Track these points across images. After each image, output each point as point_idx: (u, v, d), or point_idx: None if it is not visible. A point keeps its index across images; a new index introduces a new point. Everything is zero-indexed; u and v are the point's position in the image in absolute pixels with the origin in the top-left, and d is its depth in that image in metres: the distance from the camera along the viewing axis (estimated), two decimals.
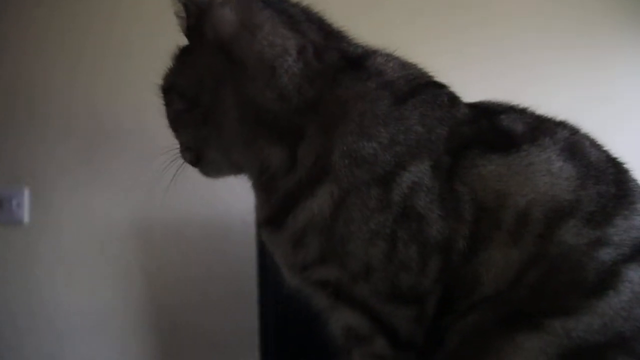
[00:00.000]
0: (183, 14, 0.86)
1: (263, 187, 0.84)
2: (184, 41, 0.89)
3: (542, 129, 0.80)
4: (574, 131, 0.82)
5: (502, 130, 0.80)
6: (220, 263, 1.72)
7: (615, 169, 0.79)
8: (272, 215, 0.82)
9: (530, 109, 0.85)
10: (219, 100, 0.83)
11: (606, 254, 0.70)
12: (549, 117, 0.84)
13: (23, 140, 1.78)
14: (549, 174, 0.75)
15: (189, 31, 0.87)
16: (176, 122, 0.91)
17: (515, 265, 0.72)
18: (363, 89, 0.80)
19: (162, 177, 1.70)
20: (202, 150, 0.90)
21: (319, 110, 0.80)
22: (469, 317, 0.73)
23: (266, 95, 0.80)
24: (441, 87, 0.85)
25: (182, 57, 0.89)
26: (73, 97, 1.78)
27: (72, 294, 1.73)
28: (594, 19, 1.93)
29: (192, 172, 1.65)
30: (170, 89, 0.89)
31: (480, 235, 0.74)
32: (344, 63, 0.83)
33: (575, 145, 0.79)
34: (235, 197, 1.65)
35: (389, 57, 0.86)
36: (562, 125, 0.82)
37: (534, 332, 0.68)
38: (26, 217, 1.76)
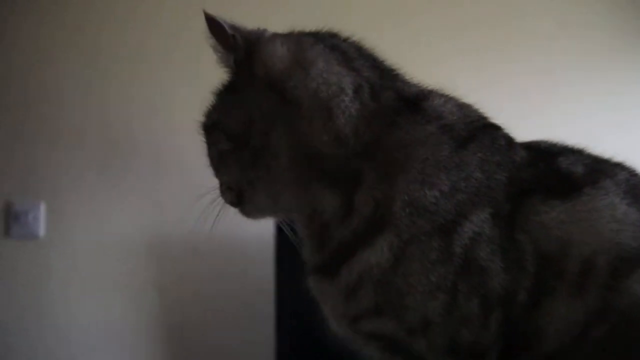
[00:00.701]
0: (225, 49, 0.82)
1: (314, 233, 0.80)
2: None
3: (601, 170, 0.77)
4: (633, 172, 0.78)
5: (562, 173, 0.77)
6: (235, 280, 1.72)
7: None
8: (324, 263, 0.78)
9: (585, 150, 0.81)
10: (270, 141, 0.79)
11: None
12: (606, 157, 0.80)
13: (38, 154, 1.78)
14: (614, 220, 0.71)
15: (236, 66, 0.83)
16: (219, 161, 0.85)
17: (580, 318, 0.68)
18: (423, 133, 0.77)
19: (177, 191, 1.77)
20: (246, 191, 0.84)
21: (377, 154, 0.76)
22: None
23: (322, 138, 0.76)
24: (497, 129, 0.82)
25: (228, 94, 0.85)
26: (86, 110, 1.79)
27: (86, 308, 1.73)
28: (618, 43, 1.93)
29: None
30: (215, 128, 0.85)
31: (542, 287, 0.70)
32: (401, 104, 0.79)
33: (636, 187, 0.76)
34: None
35: (446, 98, 0.83)
36: (621, 166, 0.79)
37: None
38: (42, 231, 1.76)
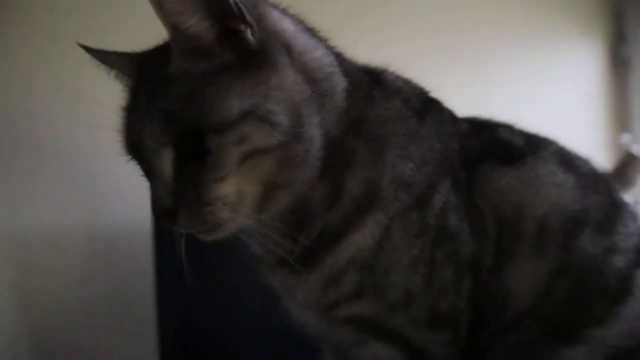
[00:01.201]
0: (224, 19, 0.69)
1: (289, 227, 0.74)
2: None
3: (536, 142, 0.83)
4: (560, 145, 0.84)
5: (504, 143, 0.82)
6: (108, 279, 1.54)
7: (602, 177, 0.84)
8: (300, 256, 0.74)
9: (514, 124, 0.86)
10: (306, 130, 0.72)
11: (619, 261, 0.75)
12: (533, 132, 0.86)
13: None
14: (556, 185, 0.78)
15: (256, 41, 0.70)
16: (240, 166, 0.72)
17: (544, 277, 0.74)
18: (395, 108, 0.78)
19: (34, 180, 1.59)
20: (251, 200, 0.76)
21: (364, 131, 0.75)
22: (510, 335, 0.74)
23: (332, 119, 0.73)
24: (439, 102, 0.85)
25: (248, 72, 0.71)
26: None
27: None
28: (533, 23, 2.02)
29: (74, 176, 1.48)
30: (244, 119, 0.71)
31: (505, 250, 0.75)
32: (368, 79, 0.79)
33: (567, 157, 0.82)
34: (124, 203, 1.53)
35: (392, 72, 0.84)
36: (549, 140, 0.85)
37: (577, 345, 0.72)
38: None
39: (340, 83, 0.75)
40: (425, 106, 0.81)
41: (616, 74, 2.17)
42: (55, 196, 1.50)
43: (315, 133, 0.70)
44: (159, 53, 0.72)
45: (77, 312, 1.52)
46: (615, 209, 0.79)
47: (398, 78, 0.83)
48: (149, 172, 0.70)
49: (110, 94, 1.49)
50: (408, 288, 0.73)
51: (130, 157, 0.74)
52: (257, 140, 0.67)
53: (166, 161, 0.67)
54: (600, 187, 0.82)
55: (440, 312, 0.74)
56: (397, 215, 0.73)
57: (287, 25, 0.74)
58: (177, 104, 0.66)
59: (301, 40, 0.75)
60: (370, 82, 0.79)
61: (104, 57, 0.79)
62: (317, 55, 0.75)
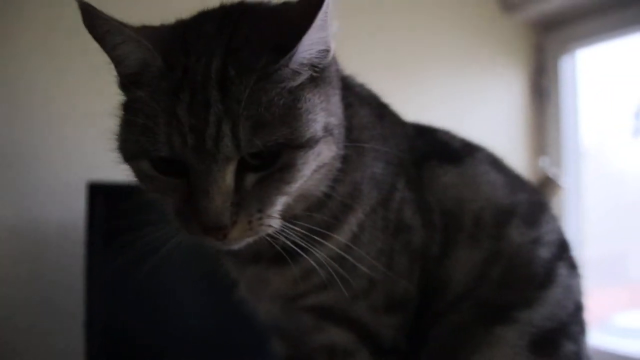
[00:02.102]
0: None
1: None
2: None
3: (470, 146, 0.91)
4: (488, 151, 0.93)
5: (444, 144, 0.90)
6: (35, 278, 1.50)
7: (526, 180, 0.93)
8: (277, 253, 0.76)
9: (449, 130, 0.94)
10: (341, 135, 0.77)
11: (544, 252, 0.83)
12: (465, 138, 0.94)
13: None
14: (490, 183, 0.86)
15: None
16: (312, 175, 0.73)
17: (478, 264, 0.81)
18: (367, 112, 0.82)
19: None
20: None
21: (351, 138, 0.77)
22: (450, 316, 0.80)
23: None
24: (389, 106, 0.90)
25: (319, 91, 0.71)
26: None
27: None
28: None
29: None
30: (325, 135, 0.72)
31: (448, 240, 0.82)
32: (341, 84, 0.79)
33: (496, 160, 0.91)
34: (49, 200, 1.51)
35: (350, 75, 0.87)
36: (479, 146, 0.93)
37: (508, 325, 0.78)
38: None
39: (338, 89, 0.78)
40: (381, 110, 0.87)
41: (536, 102, 2.30)
42: None
43: (342, 143, 0.74)
44: (218, 40, 0.67)
45: (0, 313, 1.47)
46: (539, 207, 0.88)
47: (357, 83, 0.88)
48: (199, 180, 0.64)
49: (40, 89, 1.50)
50: (372, 277, 0.77)
51: (162, 162, 0.67)
52: (326, 155, 0.70)
53: (230, 172, 0.64)
54: (525, 187, 0.91)
55: (395, 297, 0.80)
56: (369, 211, 0.78)
57: None
58: (271, 114, 0.63)
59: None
60: (344, 88, 0.81)
61: (107, 25, 0.67)
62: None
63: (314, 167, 0.68)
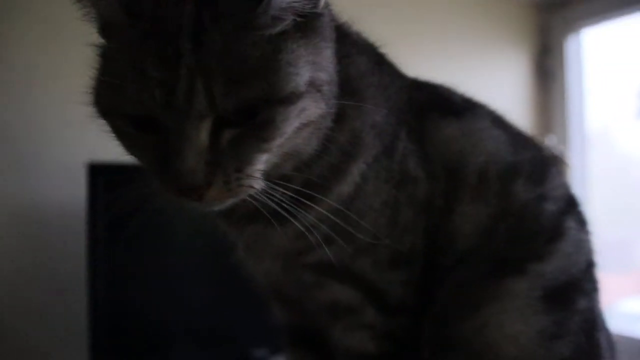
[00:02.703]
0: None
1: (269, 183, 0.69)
2: None
3: (471, 102, 0.88)
4: (490, 109, 0.89)
5: (445, 98, 0.86)
6: (37, 260, 1.48)
7: (529, 137, 0.90)
8: (275, 210, 0.69)
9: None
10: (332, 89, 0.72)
11: (551, 206, 0.81)
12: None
13: None
14: (492, 139, 0.83)
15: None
16: (295, 134, 0.67)
17: (485, 219, 0.79)
18: (364, 60, 0.79)
19: None
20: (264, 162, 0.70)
21: (349, 88, 0.73)
22: (458, 271, 0.78)
23: (334, 79, 0.70)
24: (386, 55, 0.85)
25: (306, 40, 0.66)
26: None
27: None
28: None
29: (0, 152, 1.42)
30: (309, 90, 0.67)
31: (452, 193, 0.79)
32: (336, 34, 0.74)
33: (498, 117, 0.88)
34: (49, 182, 1.49)
35: (347, 23, 0.81)
36: (480, 103, 0.89)
37: (519, 276, 0.76)
38: None
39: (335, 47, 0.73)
40: (379, 59, 0.83)
41: (541, 83, 2.28)
42: None
43: (334, 101, 0.69)
44: None
45: (2, 295, 1.45)
46: (544, 164, 0.86)
47: (354, 31, 0.82)
48: (171, 139, 0.59)
49: (39, 70, 1.48)
50: (376, 230, 0.75)
51: (131, 120, 0.62)
52: (312, 112, 0.64)
53: (205, 129, 0.59)
54: (529, 144, 0.88)
55: (401, 252, 0.77)
56: (372, 161, 0.75)
57: None
58: (247, 70, 0.58)
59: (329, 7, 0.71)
60: (340, 36, 0.76)
61: None
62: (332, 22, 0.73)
63: (297, 124, 0.63)
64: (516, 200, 0.80)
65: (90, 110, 0.66)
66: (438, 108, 0.84)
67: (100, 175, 1.34)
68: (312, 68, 0.63)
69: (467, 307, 0.76)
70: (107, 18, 0.63)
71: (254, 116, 0.59)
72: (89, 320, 1.33)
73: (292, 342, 0.92)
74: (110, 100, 0.62)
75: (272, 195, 0.66)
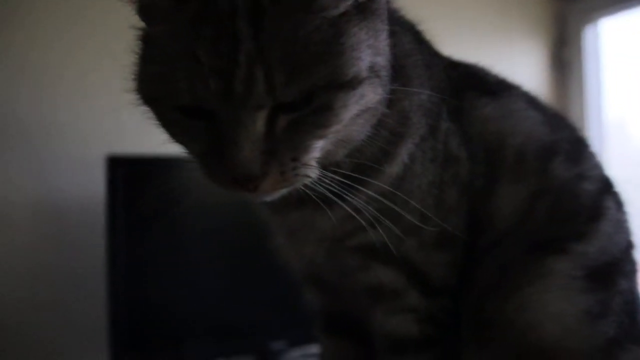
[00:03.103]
0: None
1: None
2: None
3: (505, 83, 0.87)
4: (524, 90, 0.89)
5: (480, 77, 0.86)
6: (57, 254, 1.49)
7: (564, 118, 0.90)
8: (323, 194, 0.67)
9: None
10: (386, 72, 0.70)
11: (590, 186, 0.80)
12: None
13: None
14: (528, 119, 0.83)
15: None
16: (353, 120, 0.65)
17: (524, 199, 0.78)
18: (409, 40, 0.78)
19: None
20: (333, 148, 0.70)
21: (396, 69, 0.69)
22: (498, 251, 0.77)
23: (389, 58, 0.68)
24: (424, 33, 0.84)
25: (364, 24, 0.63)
26: None
27: None
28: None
29: (19, 149, 1.44)
30: (369, 76, 0.64)
31: (491, 174, 0.79)
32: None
33: (533, 98, 0.88)
34: (68, 176, 1.50)
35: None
36: (513, 83, 0.89)
37: (561, 255, 0.75)
38: None
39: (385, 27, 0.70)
40: (419, 37, 0.82)
41: (557, 74, 2.26)
42: (1, 169, 1.46)
43: (388, 85, 0.66)
44: None
45: (22, 289, 1.47)
46: (580, 144, 0.85)
47: (397, 8, 0.80)
48: (225, 128, 0.56)
49: (57, 64, 1.49)
50: (423, 211, 0.73)
51: (181, 108, 0.59)
52: (370, 98, 0.62)
53: (262, 117, 0.56)
54: (565, 124, 0.88)
55: (445, 233, 0.76)
56: (420, 141, 0.74)
57: None
58: (310, 55, 0.55)
59: None
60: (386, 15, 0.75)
61: None
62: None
63: (355, 111, 0.60)
64: (555, 179, 0.80)
65: (133, 97, 0.63)
66: (474, 88, 0.83)
67: (120, 168, 1.35)
68: (372, 52, 0.61)
69: (509, 287, 0.75)
70: None
71: (311, 101, 0.57)
72: (108, 313, 1.34)
73: (327, 328, 0.91)
74: (157, 88, 0.59)
75: (324, 182, 0.64)
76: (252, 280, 1.50)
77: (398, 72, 0.71)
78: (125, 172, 1.35)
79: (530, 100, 0.86)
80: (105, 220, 1.35)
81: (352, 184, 0.67)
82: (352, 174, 0.67)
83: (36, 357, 1.46)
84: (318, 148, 0.61)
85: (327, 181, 0.64)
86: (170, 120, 0.61)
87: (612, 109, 2.28)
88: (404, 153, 0.73)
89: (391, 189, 0.71)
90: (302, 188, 0.64)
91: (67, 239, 1.50)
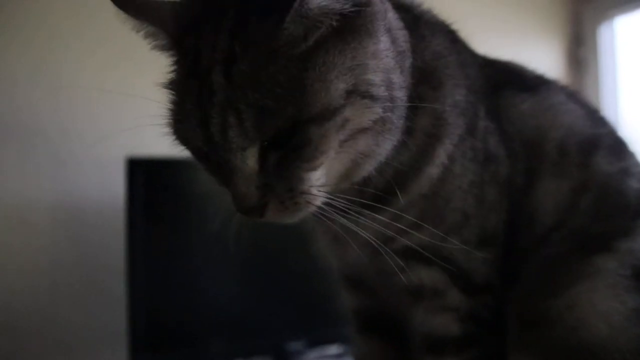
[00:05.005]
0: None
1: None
2: None
3: (543, 77, 0.87)
4: (562, 84, 0.89)
5: (518, 73, 0.86)
6: (76, 256, 1.50)
7: (602, 114, 0.89)
8: (372, 199, 0.70)
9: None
10: (400, 90, 0.69)
11: (635, 182, 0.79)
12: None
13: None
14: (569, 112, 0.82)
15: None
16: (345, 142, 0.65)
17: (567, 194, 0.78)
18: (441, 42, 0.77)
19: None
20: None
21: (425, 73, 0.72)
22: (541, 249, 0.77)
23: (406, 71, 0.69)
24: (457, 32, 0.84)
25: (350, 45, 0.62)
26: None
27: None
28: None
29: (39, 151, 1.44)
30: (350, 98, 0.63)
31: (532, 170, 0.78)
32: (408, 16, 0.74)
33: (572, 92, 0.88)
34: (88, 179, 1.51)
35: (418, 2, 0.81)
36: (551, 78, 0.89)
37: (607, 254, 0.74)
38: None
39: (405, 34, 0.70)
40: (453, 36, 0.81)
41: (573, 73, 2.25)
42: (21, 172, 1.47)
43: (402, 95, 0.66)
44: (227, 13, 0.60)
45: (42, 291, 1.47)
46: (621, 141, 0.85)
47: (425, 10, 0.80)
48: (223, 167, 0.61)
49: (76, 65, 1.49)
50: (465, 210, 0.75)
51: (193, 152, 0.64)
52: (359, 121, 0.61)
53: (251, 156, 0.59)
54: (605, 120, 0.87)
55: (487, 231, 0.77)
56: (458, 141, 0.74)
57: None
58: (274, 98, 0.56)
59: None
60: (412, 19, 0.75)
61: (133, 6, 0.64)
62: (391, 8, 0.70)
63: (343, 137, 0.60)
64: (598, 173, 0.79)
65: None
66: (511, 85, 0.83)
67: (139, 170, 1.35)
68: (352, 75, 0.59)
69: (555, 285, 0.74)
70: (163, 50, 0.66)
71: (290, 138, 0.58)
72: (127, 314, 1.35)
73: (362, 328, 0.91)
74: (174, 131, 0.64)
75: (335, 207, 0.65)
76: (270, 281, 1.50)
77: (428, 75, 0.73)
78: (145, 173, 1.36)
79: (570, 94, 0.86)
80: (124, 222, 1.36)
81: (396, 188, 0.70)
82: (391, 180, 0.70)
83: (56, 358, 1.47)
84: (315, 177, 0.62)
85: (339, 205, 0.65)
86: (193, 158, 0.66)
87: (627, 107, 2.27)
88: (442, 154, 0.73)
89: (432, 191, 0.73)
90: (318, 214, 0.65)
91: (86, 240, 1.51)
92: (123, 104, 1.48)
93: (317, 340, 1.53)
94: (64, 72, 1.53)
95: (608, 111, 2.21)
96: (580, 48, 2.24)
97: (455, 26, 0.83)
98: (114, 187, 1.43)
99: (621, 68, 2.23)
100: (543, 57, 2.21)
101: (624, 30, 2.23)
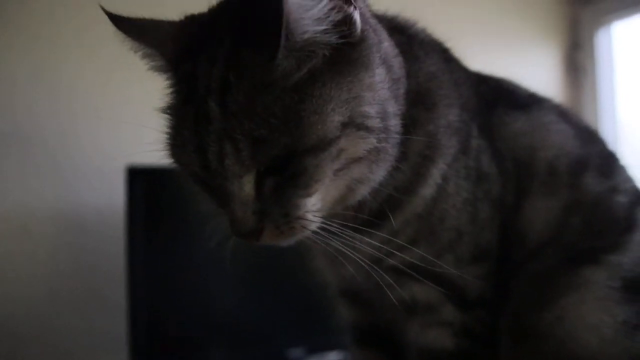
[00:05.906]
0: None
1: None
2: None
3: (536, 96, 0.88)
4: (554, 102, 0.90)
5: (511, 91, 0.87)
6: (76, 263, 1.50)
7: (594, 132, 0.90)
8: (367, 219, 0.72)
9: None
10: (393, 118, 0.70)
11: (622, 199, 0.81)
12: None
13: None
14: (560, 132, 0.83)
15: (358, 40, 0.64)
16: (340, 170, 0.66)
17: (557, 213, 0.79)
18: (434, 62, 0.78)
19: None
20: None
21: (419, 96, 0.73)
22: (532, 264, 0.78)
23: (401, 99, 0.70)
24: (450, 50, 0.85)
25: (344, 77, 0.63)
26: None
27: None
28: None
29: (39, 159, 1.44)
30: (347, 129, 0.64)
31: (522, 188, 0.79)
32: (402, 38, 0.76)
33: (564, 111, 0.88)
34: (88, 187, 1.52)
35: (413, 22, 0.82)
36: (544, 97, 0.90)
37: (595, 266, 0.75)
38: None
39: (400, 61, 0.71)
40: (447, 55, 0.82)
41: (571, 78, 2.25)
42: (22, 180, 1.47)
43: (396, 123, 0.67)
44: (223, 42, 0.61)
45: (42, 299, 1.48)
46: (611, 158, 0.86)
47: (419, 29, 0.81)
48: (220, 192, 0.63)
49: (76, 73, 1.50)
50: (458, 228, 0.76)
51: (190, 176, 0.65)
52: (354, 151, 0.62)
53: (248, 183, 0.61)
54: (595, 139, 0.88)
55: (480, 246, 0.78)
56: (452, 161, 0.75)
57: (367, 10, 0.68)
58: (269, 128, 0.57)
59: (378, 25, 0.69)
60: (407, 40, 0.76)
61: (132, 27, 0.66)
62: (387, 36, 0.70)
63: (338, 166, 0.62)
64: (587, 193, 0.80)
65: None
66: (504, 103, 0.84)
67: (139, 178, 1.36)
68: (348, 107, 0.60)
69: (544, 299, 0.75)
70: (164, 70, 0.68)
71: (287, 167, 0.60)
72: (128, 321, 1.35)
73: (359, 341, 0.92)
74: (171, 155, 0.65)
75: (328, 231, 0.66)
76: (271, 288, 1.51)
77: (422, 96, 0.74)
78: (145, 182, 1.36)
79: (561, 114, 0.87)
80: (124, 230, 1.36)
81: (391, 209, 0.71)
82: (384, 203, 0.71)
83: None
84: (309, 203, 0.63)
85: (334, 230, 0.66)
86: (190, 182, 0.67)
87: (625, 112, 2.27)
88: (436, 174, 0.74)
89: (427, 210, 0.74)
90: (313, 238, 0.67)
91: (87, 248, 1.51)
92: (124, 113, 1.49)
93: (317, 347, 1.53)
94: (64, 80, 1.53)
95: (606, 116, 2.22)
96: (578, 53, 2.25)
97: (453, 33, 0.83)
98: (114, 195, 1.43)
99: (619, 73, 2.23)
100: (541, 62, 2.22)
101: (621, 36, 2.24)
